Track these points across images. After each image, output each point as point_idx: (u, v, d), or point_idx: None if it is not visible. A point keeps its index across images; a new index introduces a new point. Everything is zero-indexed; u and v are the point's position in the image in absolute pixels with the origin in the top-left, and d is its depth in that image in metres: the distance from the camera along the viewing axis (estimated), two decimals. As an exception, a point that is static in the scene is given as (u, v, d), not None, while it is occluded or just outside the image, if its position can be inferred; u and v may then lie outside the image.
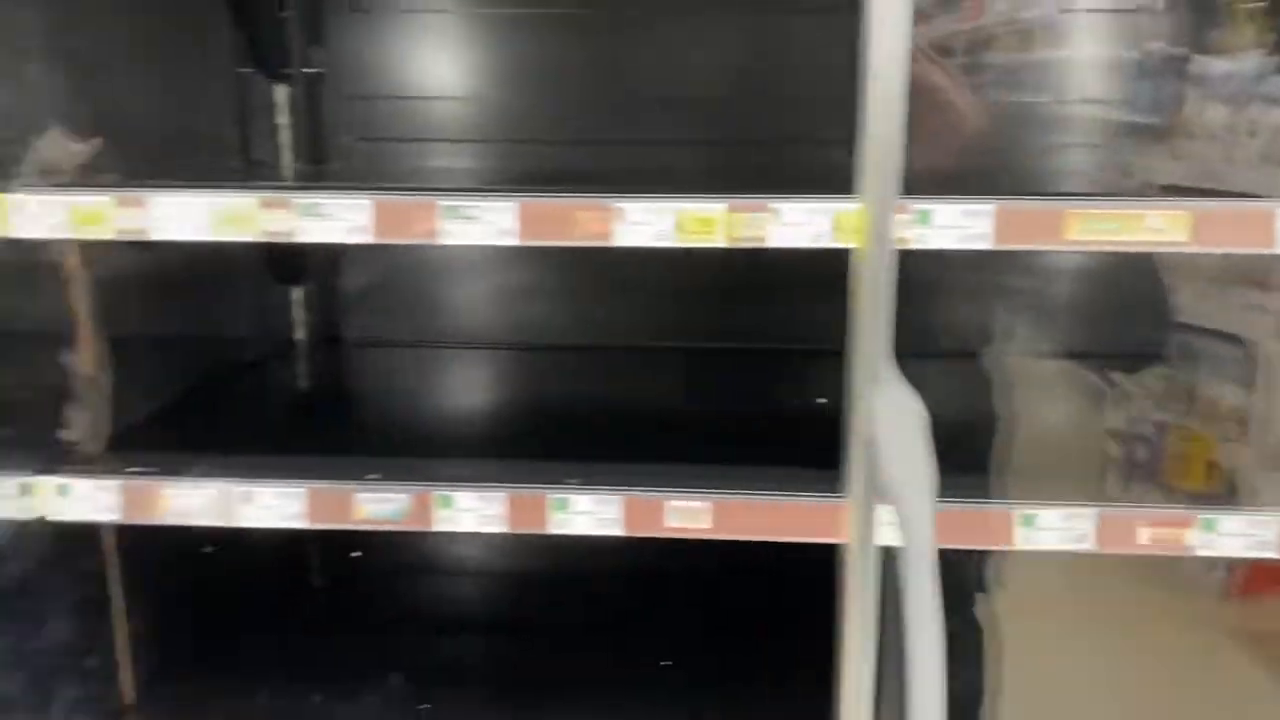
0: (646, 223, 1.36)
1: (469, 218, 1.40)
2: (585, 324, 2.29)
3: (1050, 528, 1.40)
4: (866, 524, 0.88)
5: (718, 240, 1.36)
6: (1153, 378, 2.08)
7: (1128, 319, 2.13)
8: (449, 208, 1.39)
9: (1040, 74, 2.18)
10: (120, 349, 1.70)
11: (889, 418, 0.89)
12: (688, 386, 2.13)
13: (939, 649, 0.80)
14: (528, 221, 1.40)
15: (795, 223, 1.33)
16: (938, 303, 2.07)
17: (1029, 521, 1.41)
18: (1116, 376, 2.07)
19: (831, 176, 1.31)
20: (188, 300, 2.01)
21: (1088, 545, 1.43)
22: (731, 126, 2.21)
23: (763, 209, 1.35)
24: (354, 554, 2.30)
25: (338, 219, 1.41)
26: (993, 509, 1.40)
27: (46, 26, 1.60)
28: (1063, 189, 2.06)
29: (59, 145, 1.54)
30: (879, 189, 1.01)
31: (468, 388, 2.21)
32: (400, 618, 2.19)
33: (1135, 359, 2.08)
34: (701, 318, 2.25)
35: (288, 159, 2.25)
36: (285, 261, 2.30)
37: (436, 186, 1.45)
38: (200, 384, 2.01)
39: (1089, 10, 2.13)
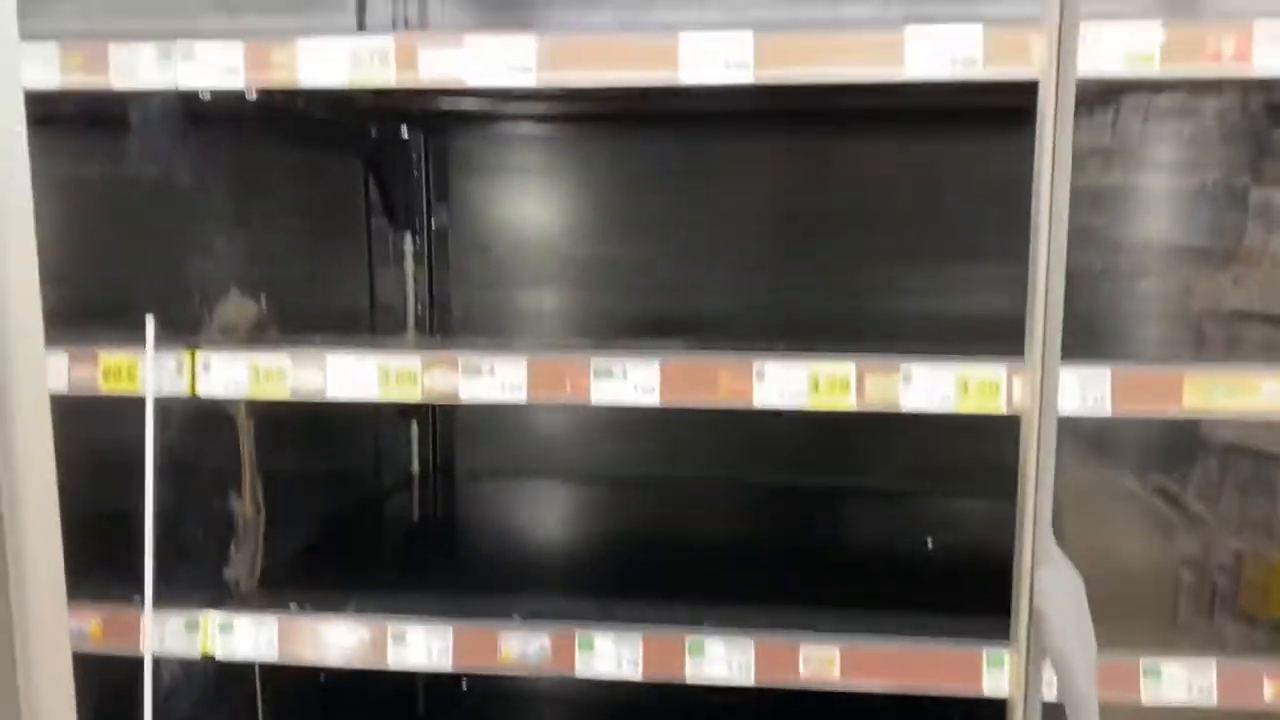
0: (787, 384, 1.46)
1: (617, 376, 1.51)
2: (699, 457, 2.37)
3: (1177, 682, 1.44)
4: (1034, 699, 0.95)
5: (850, 403, 1.46)
6: (1227, 504, 2.09)
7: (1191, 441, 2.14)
8: (600, 368, 1.51)
9: (1097, 200, 2.26)
10: (264, 486, 1.82)
11: (1052, 591, 0.97)
12: (797, 523, 2.20)
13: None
14: (669, 381, 1.51)
15: (929, 385, 1.43)
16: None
17: (1154, 674, 1.45)
18: (1189, 502, 2.09)
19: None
20: (316, 436, 2.14)
21: (1211, 700, 1.47)
22: (823, 277, 2.33)
23: (894, 369, 1.45)
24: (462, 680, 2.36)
25: (495, 377, 1.53)
26: (1118, 661, 1.45)
27: (227, 198, 1.77)
28: (1132, 320, 2.12)
29: (236, 306, 1.69)
30: (1044, 360, 1.08)
31: (582, 522, 2.30)
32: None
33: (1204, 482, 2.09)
34: (809, 454, 2.32)
35: (412, 304, 2.40)
36: (407, 398, 2.43)
37: (581, 345, 1.57)
38: (334, 520, 2.13)
39: (1143, 138, 2.21)
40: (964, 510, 2.24)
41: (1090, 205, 2.24)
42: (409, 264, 2.39)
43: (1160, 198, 2.24)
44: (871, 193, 2.32)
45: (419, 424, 2.52)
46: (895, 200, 2.30)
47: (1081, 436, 2.13)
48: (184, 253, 1.70)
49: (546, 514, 2.33)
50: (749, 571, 1.88)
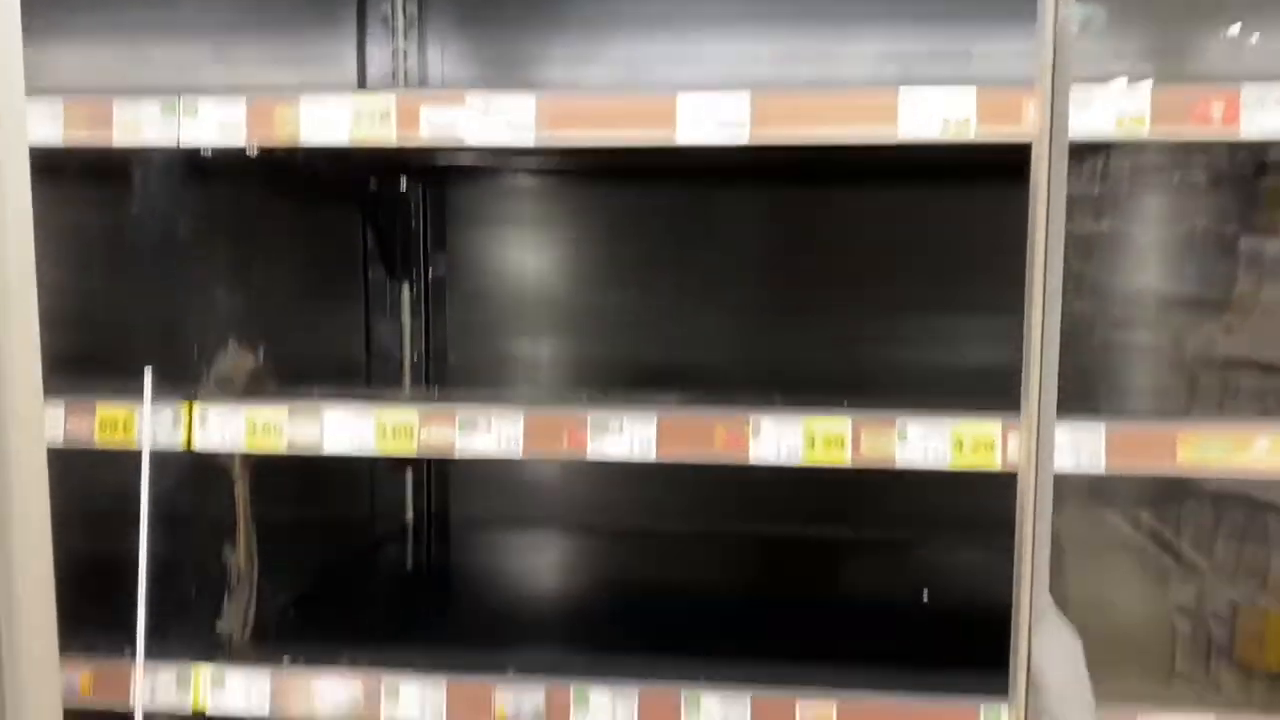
0: (783, 439, 1.47)
1: (614, 431, 1.52)
2: (695, 507, 2.36)
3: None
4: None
5: (845, 458, 1.47)
6: (1222, 552, 2.09)
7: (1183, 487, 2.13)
8: (597, 422, 1.51)
9: (1087, 248, 2.27)
10: (257, 535, 1.81)
11: (1050, 651, 0.97)
12: (793, 575, 2.19)
13: None
14: (665, 435, 1.51)
15: (925, 441, 1.43)
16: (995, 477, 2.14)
17: (1154, 731, 1.45)
18: (1183, 548, 2.08)
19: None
20: (310, 483, 2.13)
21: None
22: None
23: (890, 425, 1.46)
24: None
25: (492, 432, 1.54)
26: (1116, 717, 1.44)
27: (225, 248, 1.79)
28: (1126, 369, 2.12)
29: (233, 358, 1.69)
30: (1039, 412, 1.08)
31: (576, 572, 2.30)
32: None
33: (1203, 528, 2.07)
34: (806, 505, 2.32)
35: (409, 353, 2.41)
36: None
37: (578, 399, 1.57)
38: (328, 570, 2.12)
39: (1133, 187, 2.22)
40: (961, 561, 2.23)
41: (1081, 253, 2.26)
42: (405, 313, 2.40)
43: (1151, 246, 2.26)
44: (865, 243, 2.34)
45: (413, 471, 2.51)
46: (889, 250, 2.32)
47: (1076, 483, 2.13)
48: (182, 302, 1.71)
49: (541, 564, 2.32)
50: (745, 624, 1.87)
